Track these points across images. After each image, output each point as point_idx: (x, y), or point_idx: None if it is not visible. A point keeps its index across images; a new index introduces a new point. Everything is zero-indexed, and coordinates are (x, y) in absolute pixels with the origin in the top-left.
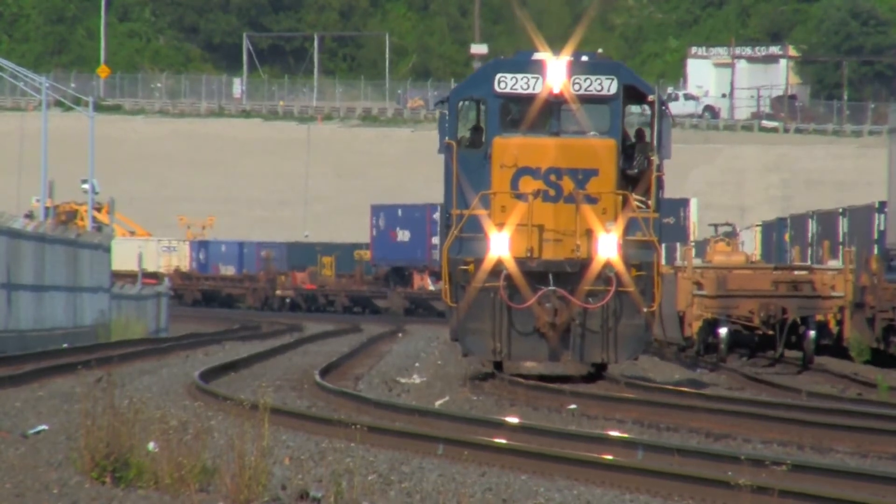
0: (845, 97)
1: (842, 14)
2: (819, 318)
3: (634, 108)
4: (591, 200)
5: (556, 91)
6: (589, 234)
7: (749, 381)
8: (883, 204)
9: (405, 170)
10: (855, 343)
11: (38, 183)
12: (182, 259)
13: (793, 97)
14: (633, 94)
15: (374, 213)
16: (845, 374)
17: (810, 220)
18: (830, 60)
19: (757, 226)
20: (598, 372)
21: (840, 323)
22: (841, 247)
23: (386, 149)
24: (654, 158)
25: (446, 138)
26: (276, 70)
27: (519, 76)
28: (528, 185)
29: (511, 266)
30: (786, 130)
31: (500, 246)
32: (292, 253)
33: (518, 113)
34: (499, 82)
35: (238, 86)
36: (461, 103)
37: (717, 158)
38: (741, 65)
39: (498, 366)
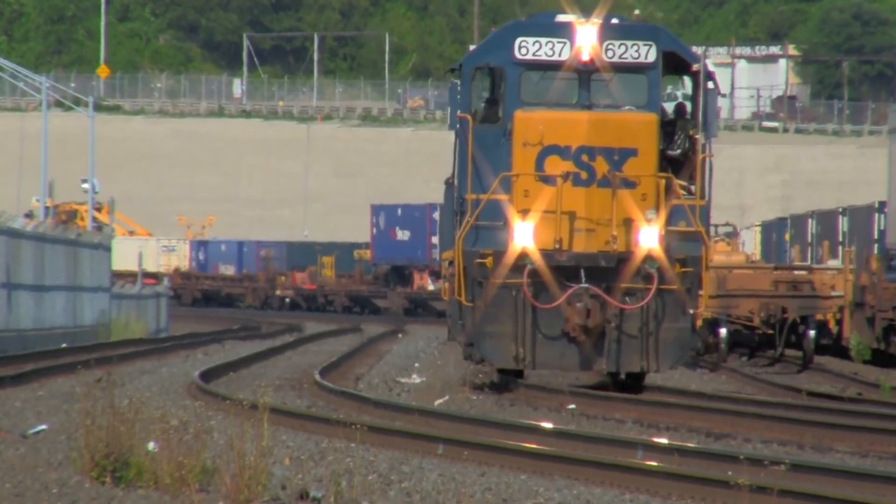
0: (845, 97)
1: (844, 16)
2: (819, 317)
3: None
4: (629, 185)
5: (585, 58)
6: (626, 223)
7: (749, 381)
8: (883, 204)
9: (405, 170)
10: (855, 343)
11: (38, 183)
12: (182, 259)
13: (793, 97)
14: (674, 62)
15: (374, 213)
16: (845, 374)
17: (810, 220)
18: (830, 60)
19: (757, 226)
20: (634, 382)
21: (840, 323)
22: (841, 247)
23: (386, 148)
24: (700, 137)
25: (458, 111)
26: (276, 70)
27: (543, 41)
28: (556, 166)
29: (537, 259)
30: (786, 130)
31: (524, 236)
32: (292, 252)
33: (542, 83)
34: (519, 48)
35: (238, 86)
36: (475, 72)
37: (717, 158)
38: (741, 64)
39: (518, 374)
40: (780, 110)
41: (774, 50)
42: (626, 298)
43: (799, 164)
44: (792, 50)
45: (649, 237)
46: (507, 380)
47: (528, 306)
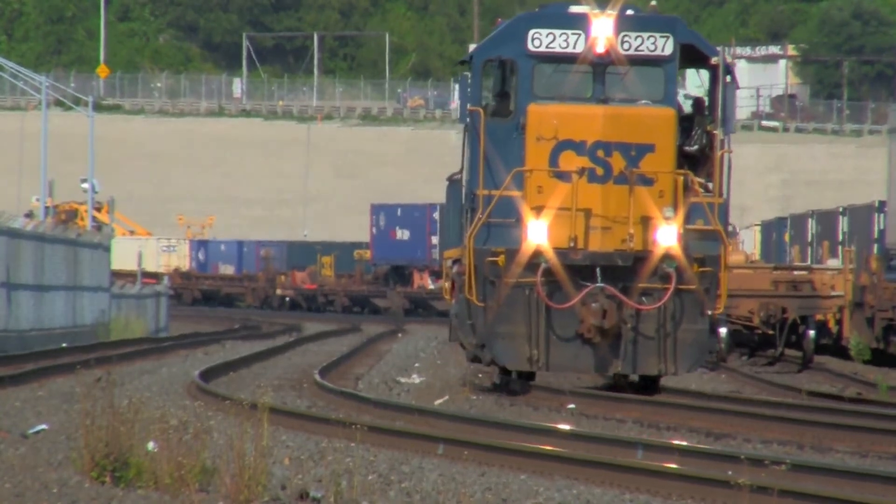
0: (845, 97)
1: (844, 15)
2: (819, 317)
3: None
4: (646, 181)
5: (600, 50)
6: (644, 221)
7: (749, 381)
8: (883, 204)
9: (405, 169)
10: (855, 343)
11: (38, 182)
12: (182, 258)
13: (793, 96)
14: (691, 55)
15: (373, 213)
16: (845, 374)
17: (810, 220)
18: (830, 60)
19: (757, 225)
20: (649, 385)
21: (839, 322)
22: (841, 246)
23: (386, 148)
24: (718, 133)
25: (469, 105)
26: (276, 69)
27: (557, 32)
28: (571, 161)
29: (551, 258)
30: (786, 130)
31: (538, 234)
32: (292, 252)
33: (555, 76)
34: (532, 39)
35: (238, 85)
36: (486, 64)
37: None
38: (741, 64)
39: (530, 376)
40: (780, 110)
41: (774, 50)
42: (643, 299)
43: (799, 164)
44: (792, 50)
45: (668, 235)
46: (508, 380)
47: (541, 306)
